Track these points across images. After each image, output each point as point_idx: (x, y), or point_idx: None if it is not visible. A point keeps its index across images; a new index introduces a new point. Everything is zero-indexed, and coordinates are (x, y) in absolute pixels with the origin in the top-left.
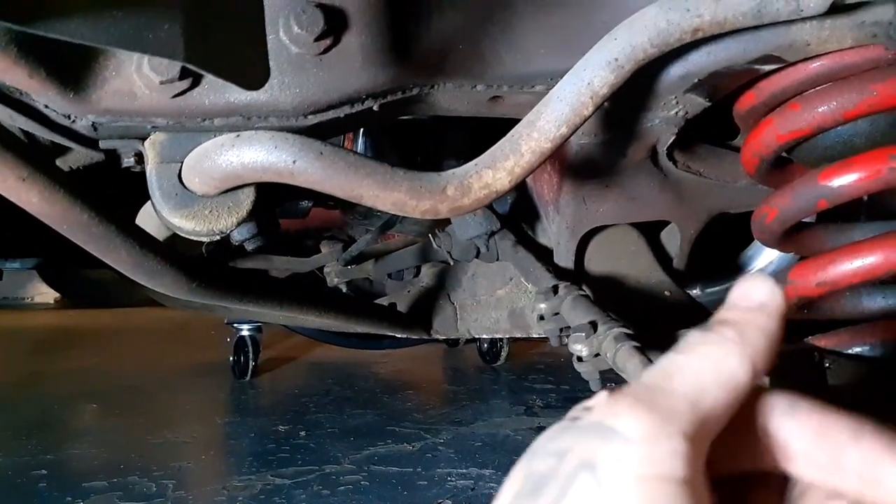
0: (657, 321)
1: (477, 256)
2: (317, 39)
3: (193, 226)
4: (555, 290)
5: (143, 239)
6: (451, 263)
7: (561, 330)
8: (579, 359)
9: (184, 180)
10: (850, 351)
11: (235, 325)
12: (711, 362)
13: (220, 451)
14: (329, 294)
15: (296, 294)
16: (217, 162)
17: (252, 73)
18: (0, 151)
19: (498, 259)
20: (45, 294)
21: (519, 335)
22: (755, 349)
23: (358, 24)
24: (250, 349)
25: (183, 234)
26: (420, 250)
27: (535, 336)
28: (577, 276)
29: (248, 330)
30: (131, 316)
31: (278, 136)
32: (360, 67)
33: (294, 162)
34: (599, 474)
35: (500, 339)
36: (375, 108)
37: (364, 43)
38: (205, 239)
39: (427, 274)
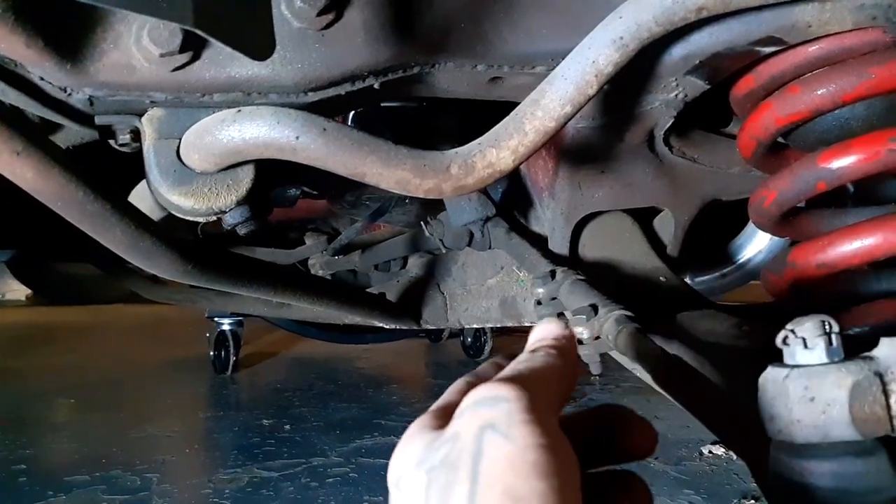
0: (654, 307)
1: (469, 244)
2: (319, 14)
3: (192, 203)
4: (552, 274)
5: (138, 219)
6: (443, 251)
7: (558, 315)
8: (579, 341)
9: (182, 157)
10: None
11: (216, 319)
12: (549, 366)
13: (203, 445)
14: (322, 281)
15: (290, 280)
16: (218, 137)
17: (258, 43)
18: None
19: (490, 247)
20: (16, 291)
21: (511, 324)
22: (571, 361)
23: (360, 0)
24: (231, 343)
25: (180, 214)
26: (409, 240)
27: (527, 324)
28: (571, 262)
29: (229, 324)
30: (105, 312)
31: (281, 112)
32: (363, 44)
33: (297, 138)
34: (501, 428)
35: (484, 333)
36: (376, 86)
37: (366, 19)
38: (202, 219)
39: (415, 264)
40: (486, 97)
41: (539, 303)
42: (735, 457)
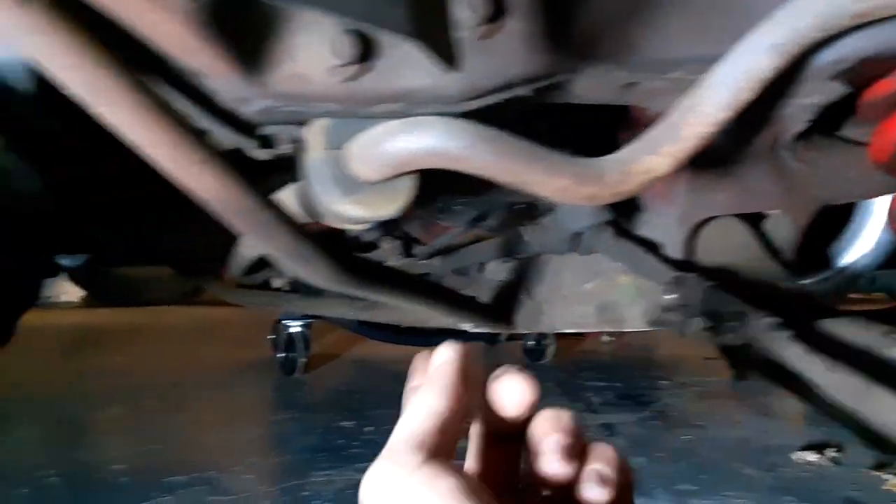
0: (778, 313)
1: (572, 248)
2: (481, 24)
3: (359, 212)
4: (680, 280)
5: (298, 227)
6: (544, 255)
7: (683, 321)
8: (731, 349)
9: (348, 167)
10: None
11: (285, 321)
12: (414, 405)
13: (290, 447)
14: (438, 286)
15: (413, 284)
16: (388, 147)
17: (448, 52)
18: (179, 135)
19: (593, 252)
20: (70, 293)
21: (610, 329)
22: (446, 386)
23: (520, 8)
24: (300, 345)
25: (341, 222)
26: (502, 244)
27: (628, 330)
28: (688, 268)
29: (298, 326)
30: (159, 314)
31: (450, 122)
32: (521, 52)
33: (466, 147)
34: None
35: (546, 337)
36: (528, 94)
37: (525, 27)
38: (360, 227)
39: (500, 268)
40: (616, 102)
41: (668, 309)
42: (832, 463)
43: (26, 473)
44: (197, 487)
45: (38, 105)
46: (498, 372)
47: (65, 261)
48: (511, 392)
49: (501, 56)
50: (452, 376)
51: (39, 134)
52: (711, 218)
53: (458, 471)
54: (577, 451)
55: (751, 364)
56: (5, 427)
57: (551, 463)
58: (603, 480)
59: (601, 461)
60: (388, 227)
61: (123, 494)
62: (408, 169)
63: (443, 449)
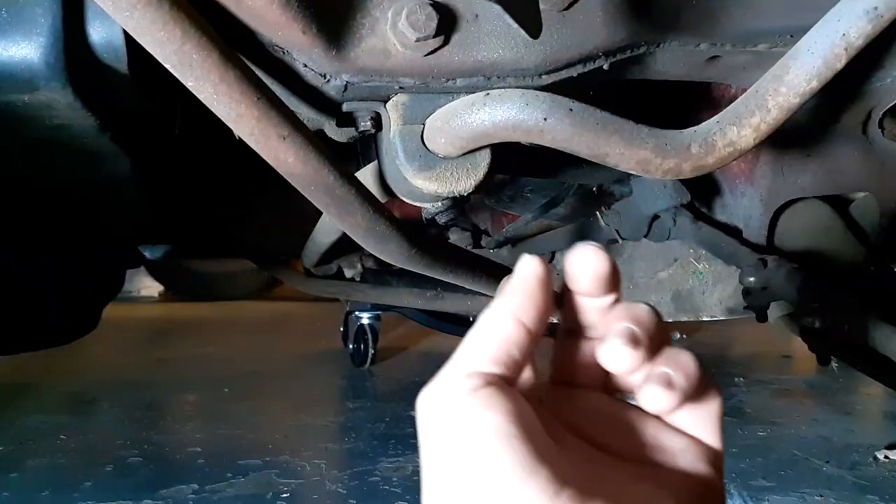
0: (864, 298)
1: (646, 235)
2: None
3: (436, 187)
4: (763, 263)
5: (376, 204)
6: (619, 242)
7: (766, 305)
8: (810, 330)
9: (426, 141)
10: None
11: (356, 313)
12: (484, 322)
13: (360, 434)
14: (506, 269)
15: (480, 265)
16: (467, 121)
17: (534, 21)
18: (266, 109)
19: (669, 237)
20: (149, 287)
21: (686, 318)
22: (519, 305)
23: None
24: (370, 337)
25: (417, 198)
26: (574, 232)
27: (705, 319)
28: (770, 252)
29: (368, 318)
30: (234, 308)
31: (529, 94)
32: (600, 23)
33: (545, 119)
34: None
35: None
36: (606, 66)
37: None
38: (439, 203)
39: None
40: (697, 78)
41: (748, 293)
42: None
43: (110, 452)
44: (269, 470)
45: (133, 87)
46: (573, 247)
47: (145, 252)
48: (584, 263)
49: (580, 27)
50: (530, 292)
51: (132, 117)
52: (795, 200)
53: (515, 402)
54: (649, 350)
55: (833, 349)
56: (91, 409)
57: (614, 349)
58: (668, 384)
59: (672, 366)
60: (457, 214)
61: (200, 474)
62: (486, 142)
63: (507, 370)
